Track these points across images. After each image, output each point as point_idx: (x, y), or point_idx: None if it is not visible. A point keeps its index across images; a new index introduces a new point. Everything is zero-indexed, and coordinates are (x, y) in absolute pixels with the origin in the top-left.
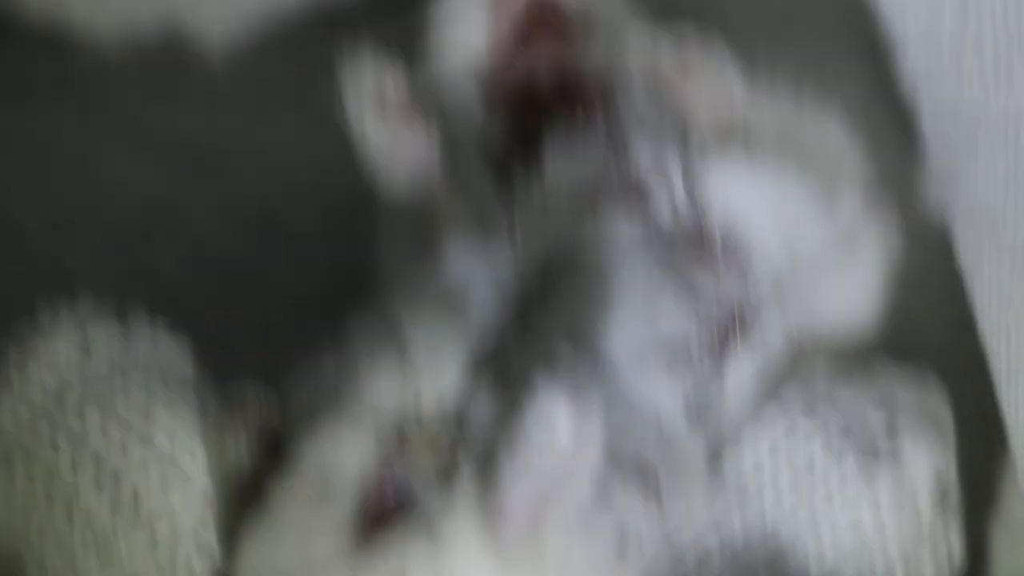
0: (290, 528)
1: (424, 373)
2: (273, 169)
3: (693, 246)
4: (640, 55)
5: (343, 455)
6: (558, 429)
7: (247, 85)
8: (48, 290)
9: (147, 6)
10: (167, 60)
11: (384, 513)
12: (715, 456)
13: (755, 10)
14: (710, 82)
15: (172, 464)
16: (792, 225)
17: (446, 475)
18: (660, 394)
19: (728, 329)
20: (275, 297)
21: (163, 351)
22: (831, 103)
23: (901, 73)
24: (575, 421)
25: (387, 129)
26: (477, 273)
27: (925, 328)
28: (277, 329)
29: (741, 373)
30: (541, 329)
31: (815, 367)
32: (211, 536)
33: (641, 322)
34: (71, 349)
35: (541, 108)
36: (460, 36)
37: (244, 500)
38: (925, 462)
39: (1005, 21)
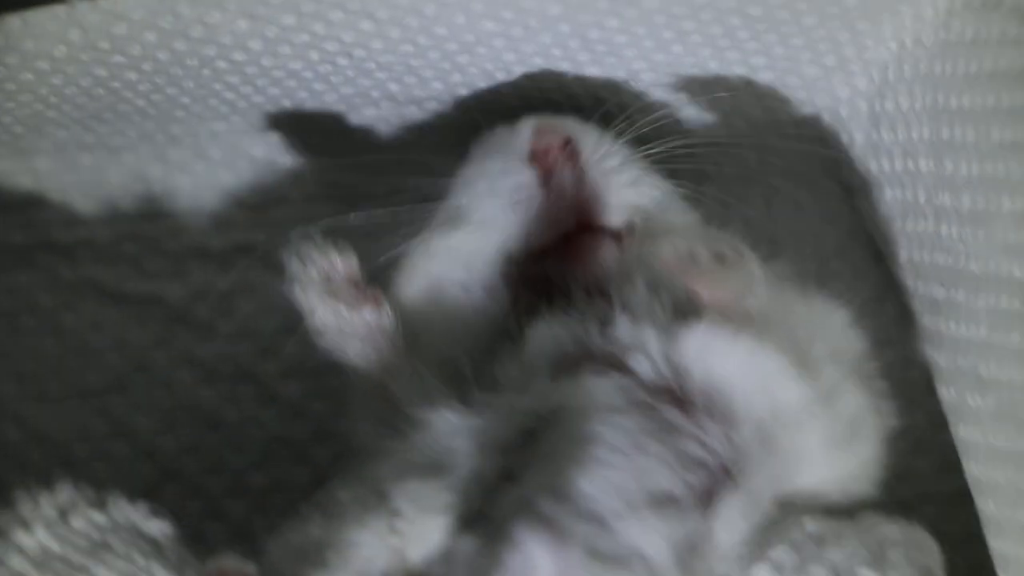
0: None
1: (408, 530)
2: (250, 330)
3: (676, 406)
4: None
5: None
6: (537, 566)
7: (221, 244)
8: (24, 455)
9: (122, 180)
10: (141, 227)
11: None
12: None
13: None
14: (730, 280)
15: None
16: (773, 394)
17: None
18: (649, 541)
19: (715, 482)
20: (255, 452)
21: (141, 521)
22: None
23: (877, 208)
24: (555, 558)
25: (333, 309)
26: (459, 433)
27: (910, 470)
28: (257, 485)
29: (730, 524)
30: (524, 485)
31: (804, 526)
32: None
33: (627, 475)
34: (51, 517)
35: (546, 284)
36: (493, 236)
37: None
38: None
39: (980, 161)
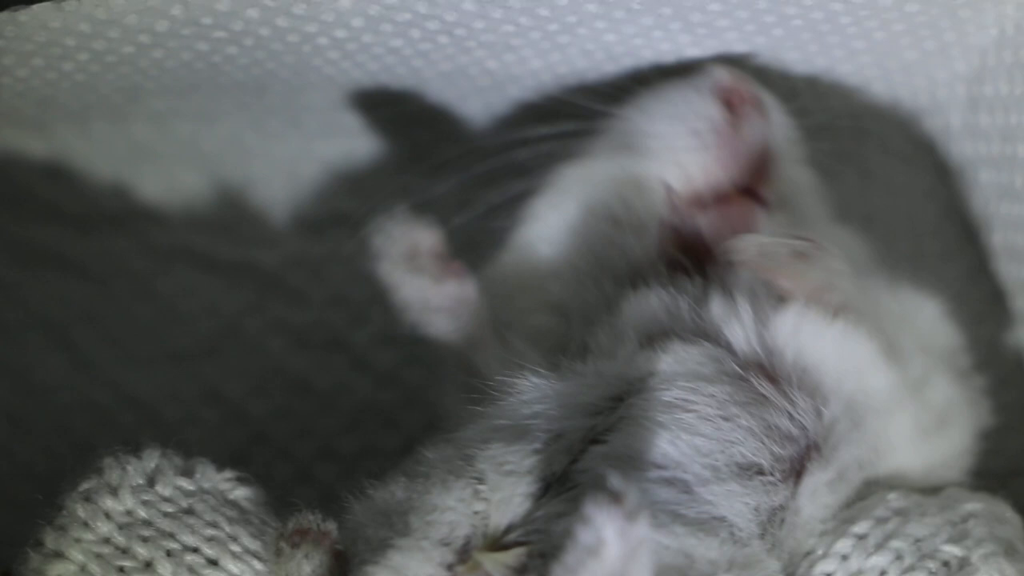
0: None
1: (492, 496)
2: (342, 297)
3: (767, 380)
4: (745, 240)
5: (407, 571)
6: (608, 544)
7: (315, 213)
8: (115, 418)
9: (217, 149)
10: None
11: None
12: (791, 561)
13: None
14: (811, 275)
15: None
16: (862, 379)
17: None
18: (733, 508)
19: (803, 456)
20: (344, 418)
21: (228, 487)
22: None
23: (972, 190)
24: (623, 534)
25: (418, 284)
26: (545, 397)
27: (1002, 446)
28: (347, 451)
29: (816, 498)
30: (610, 446)
31: (888, 502)
32: None
33: (713, 443)
34: (138, 483)
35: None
36: (666, 169)
37: None
38: None
39: None
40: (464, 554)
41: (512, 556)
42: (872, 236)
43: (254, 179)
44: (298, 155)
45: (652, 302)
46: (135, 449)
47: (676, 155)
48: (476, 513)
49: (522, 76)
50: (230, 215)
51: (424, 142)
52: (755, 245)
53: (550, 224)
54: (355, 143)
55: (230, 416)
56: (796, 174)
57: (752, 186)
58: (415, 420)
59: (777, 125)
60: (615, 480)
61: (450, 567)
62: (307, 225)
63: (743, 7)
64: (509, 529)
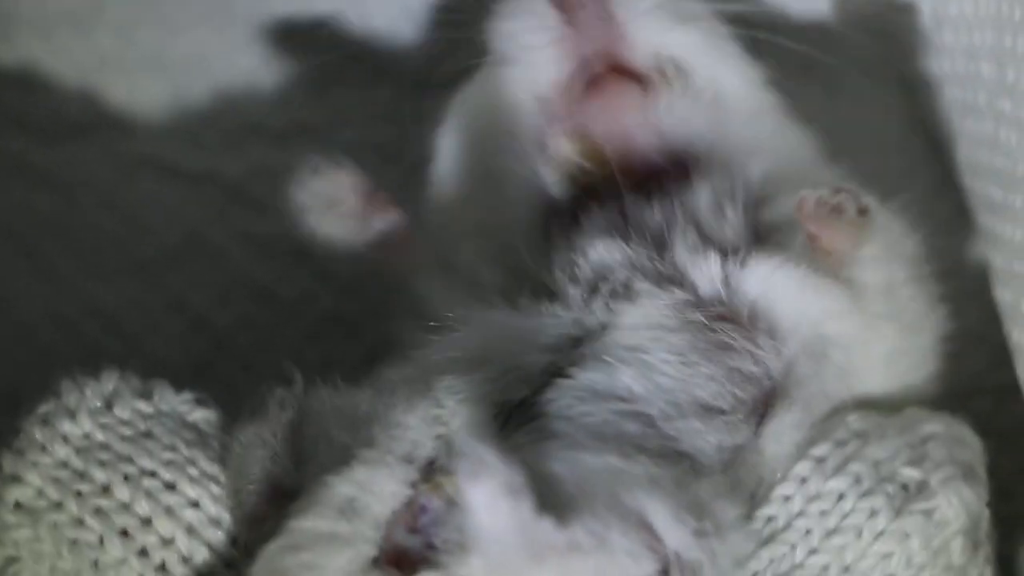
0: (308, 553)
1: (451, 421)
2: None
3: (730, 325)
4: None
5: (373, 485)
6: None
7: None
8: (79, 328)
9: (182, 58)
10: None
11: (406, 551)
12: (751, 510)
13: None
14: (862, 232)
15: (197, 509)
16: (829, 323)
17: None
18: (696, 444)
19: (765, 397)
20: (308, 328)
21: (186, 410)
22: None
23: (937, 107)
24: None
25: (347, 226)
26: (504, 332)
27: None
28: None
29: (779, 437)
30: (574, 379)
31: (848, 424)
32: None
33: (676, 383)
34: (95, 406)
35: (600, 175)
36: (523, 75)
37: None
38: (958, 516)
39: None
40: (428, 473)
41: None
42: (837, 148)
43: (218, 89)
44: (262, 65)
45: (611, 249)
46: (93, 370)
47: (527, 64)
48: (439, 436)
49: None
50: (194, 125)
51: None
52: (821, 199)
53: (456, 157)
54: (320, 54)
55: (193, 326)
56: (676, 38)
57: (615, 63)
58: (378, 330)
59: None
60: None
61: (413, 484)
62: (271, 135)
63: None
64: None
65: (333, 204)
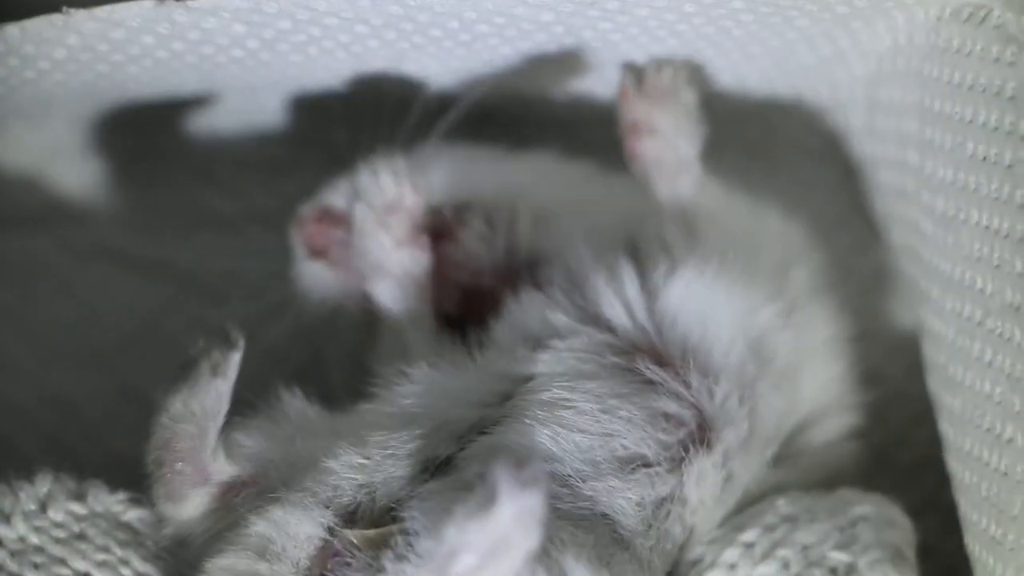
0: None
1: (376, 475)
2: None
3: (654, 361)
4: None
5: (289, 527)
6: (500, 504)
7: (230, 210)
8: (35, 415)
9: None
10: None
11: None
12: (680, 571)
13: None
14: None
15: None
16: (755, 327)
17: (381, 555)
18: (614, 504)
19: (690, 439)
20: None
21: (120, 510)
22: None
23: (874, 188)
24: (518, 498)
25: (380, 240)
26: (436, 388)
27: (909, 438)
28: None
29: (703, 481)
30: (501, 437)
31: (777, 508)
32: None
33: (594, 439)
34: (30, 509)
35: (476, 304)
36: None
37: None
38: None
39: (955, 169)
40: (349, 520)
41: (379, 534)
42: None
43: (170, 179)
44: (212, 153)
45: (532, 304)
46: (28, 474)
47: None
48: (362, 486)
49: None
50: (147, 214)
51: (341, 147)
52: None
53: None
54: (271, 141)
55: (150, 413)
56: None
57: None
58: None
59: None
60: (523, 450)
61: (331, 529)
62: (222, 223)
63: (632, 24)
64: (391, 508)
65: (388, 210)
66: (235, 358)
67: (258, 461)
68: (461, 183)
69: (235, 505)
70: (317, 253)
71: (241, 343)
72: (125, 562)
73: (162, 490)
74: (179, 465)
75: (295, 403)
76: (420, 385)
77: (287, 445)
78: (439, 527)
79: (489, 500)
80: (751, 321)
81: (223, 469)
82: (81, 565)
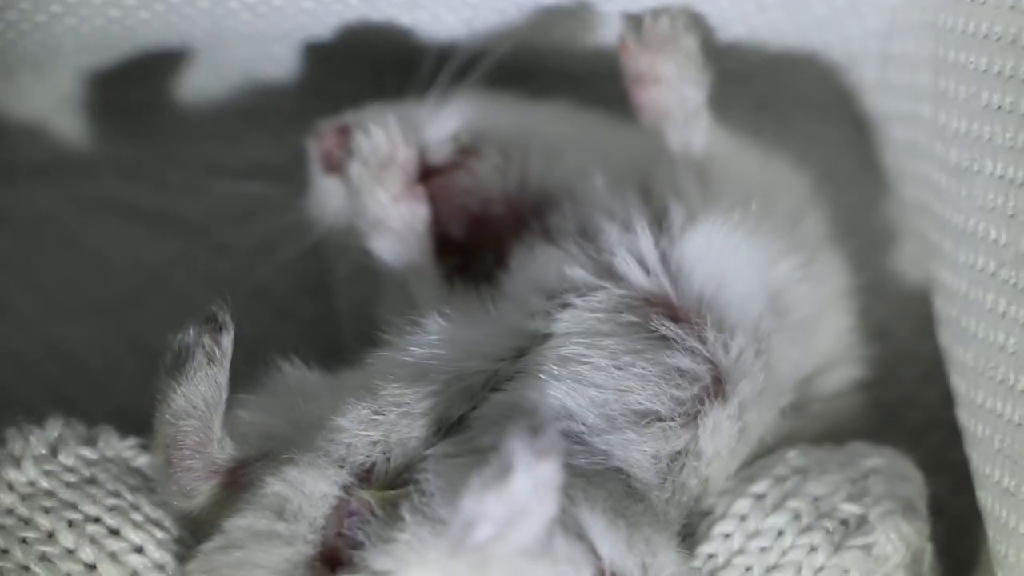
0: (243, 551)
1: (391, 434)
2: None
3: (669, 316)
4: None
5: (304, 486)
6: (517, 474)
7: (239, 162)
8: (41, 368)
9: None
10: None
11: (338, 550)
12: (691, 521)
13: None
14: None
15: (141, 554)
16: (775, 280)
17: (395, 523)
18: (628, 457)
19: (704, 394)
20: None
21: (131, 456)
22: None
23: (886, 144)
24: (534, 469)
25: (377, 195)
26: (451, 340)
27: (918, 398)
28: None
29: (718, 435)
30: (509, 395)
31: (788, 460)
32: None
33: (608, 393)
34: (40, 453)
35: (484, 232)
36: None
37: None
38: (897, 551)
39: (969, 120)
40: (364, 479)
41: (395, 495)
42: None
43: (178, 131)
44: (221, 105)
45: (548, 257)
46: (39, 418)
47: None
48: (375, 443)
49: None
50: (155, 166)
51: (345, 94)
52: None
53: None
54: (281, 93)
55: (155, 366)
56: (446, 123)
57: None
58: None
59: (380, 123)
60: (538, 416)
61: (346, 488)
62: (231, 175)
63: None
64: (406, 468)
65: (383, 166)
66: (227, 342)
67: (264, 436)
68: (478, 119)
69: (246, 483)
70: (333, 167)
71: (231, 325)
72: (136, 507)
73: (173, 488)
74: (188, 462)
75: (293, 372)
76: (433, 336)
77: (291, 412)
78: (456, 497)
79: (505, 470)
80: (771, 274)
81: (230, 455)
82: (92, 509)
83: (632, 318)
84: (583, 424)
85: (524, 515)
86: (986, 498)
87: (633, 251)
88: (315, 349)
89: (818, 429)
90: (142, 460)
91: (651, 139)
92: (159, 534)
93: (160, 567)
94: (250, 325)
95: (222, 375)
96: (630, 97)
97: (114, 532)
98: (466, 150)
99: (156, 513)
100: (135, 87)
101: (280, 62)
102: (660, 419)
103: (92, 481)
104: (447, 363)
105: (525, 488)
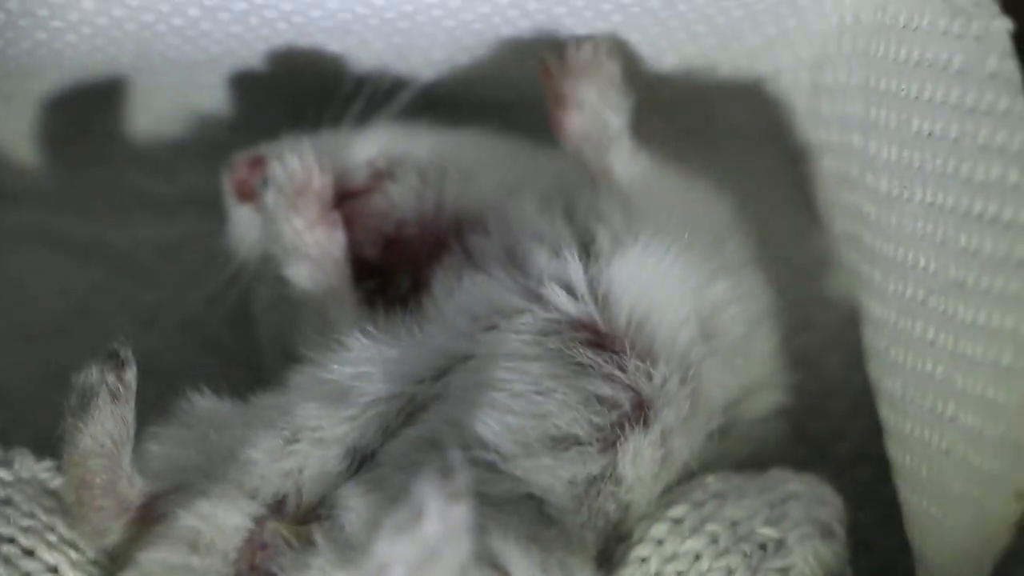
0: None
1: (306, 465)
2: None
3: (593, 343)
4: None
5: (216, 519)
6: (428, 518)
7: (165, 192)
8: None
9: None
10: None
11: None
12: (611, 544)
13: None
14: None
15: (56, 575)
16: (707, 304)
17: (307, 552)
18: (542, 483)
19: (626, 420)
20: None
21: (46, 476)
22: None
23: (816, 176)
24: (445, 512)
25: (292, 222)
26: (372, 360)
27: (847, 431)
28: None
29: (638, 461)
30: (424, 426)
31: (707, 486)
32: None
33: (524, 419)
34: None
35: (400, 255)
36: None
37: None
38: (815, 574)
39: (900, 147)
40: (277, 511)
41: (308, 530)
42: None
43: (106, 160)
44: (149, 134)
45: (474, 282)
46: None
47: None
48: (287, 474)
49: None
50: (82, 195)
51: (274, 123)
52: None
53: None
54: (209, 123)
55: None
56: (361, 149)
57: (347, 191)
58: None
59: (295, 151)
60: (449, 457)
61: (258, 520)
62: (158, 205)
63: None
64: (320, 502)
65: (298, 193)
66: (131, 377)
67: (176, 469)
68: (396, 144)
69: (159, 516)
70: (247, 196)
71: (132, 360)
72: (50, 528)
73: (85, 528)
74: (99, 502)
75: (204, 402)
76: (354, 353)
77: (203, 444)
78: (368, 537)
79: (417, 513)
80: (702, 296)
81: (141, 491)
82: (6, 530)
83: (556, 341)
84: (496, 452)
85: (436, 558)
86: (913, 529)
87: (561, 276)
88: (241, 380)
89: (743, 455)
90: (58, 482)
91: (574, 164)
92: (74, 555)
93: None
94: (176, 357)
95: (128, 411)
96: (552, 122)
97: (28, 552)
98: (382, 174)
99: (71, 534)
100: (61, 114)
101: (209, 90)
102: (579, 443)
103: (7, 502)
104: (367, 383)
105: (437, 531)
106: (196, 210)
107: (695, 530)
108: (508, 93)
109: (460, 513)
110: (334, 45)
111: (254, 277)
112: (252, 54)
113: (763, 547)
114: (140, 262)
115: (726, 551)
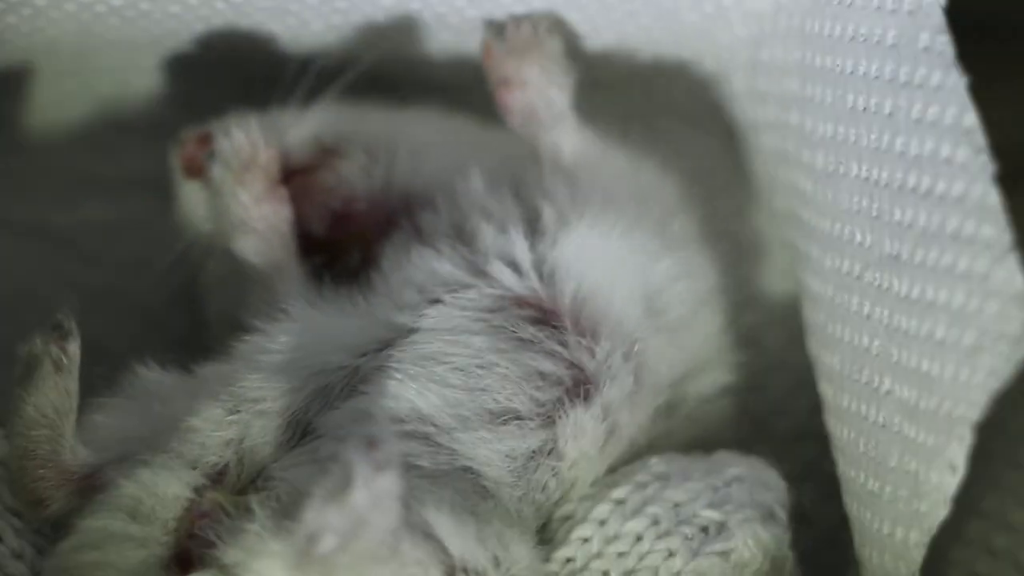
0: (99, 552)
1: (248, 436)
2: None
3: (537, 319)
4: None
5: (156, 487)
6: (356, 487)
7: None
8: None
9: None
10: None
11: (189, 551)
12: (549, 519)
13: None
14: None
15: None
16: (653, 281)
17: (245, 520)
18: (480, 456)
19: (565, 395)
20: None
21: None
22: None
23: (756, 154)
24: (372, 481)
25: (238, 196)
26: (316, 331)
27: (789, 408)
28: None
29: (579, 436)
30: (366, 398)
31: (650, 467)
32: None
33: (463, 393)
34: None
35: (348, 230)
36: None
37: None
38: (755, 558)
39: (835, 123)
40: (217, 481)
41: (246, 500)
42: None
43: (48, 141)
44: (93, 118)
45: (421, 256)
46: None
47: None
48: (228, 443)
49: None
50: (24, 176)
51: (217, 104)
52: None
53: None
54: (151, 104)
55: None
56: (302, 129)
57: (292, 169)
58: None
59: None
60: (377, 426)
61: (198, 489)
62: (101, 186)
63: None
64: (259, 474)
65: (245, 168)
66: (74, 349)
67: (120, 440)
68: (342, 122)
69: (101, 486)
70: (195, 173)
71: (76, 332)
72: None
73: (26, 497)
74: (40, 472)
75: (149, 374)
76: (299, 323)
77: (147, 415)
78: (299, 508)
79: (344, 483)
80: (648, 273)
81: (84, 462)
82: None
83: (501, 320)
84: (432, 424)
85: (365, 526)
86: (852, 503)
87: (506, 253)
88: (187, 362)
89: (689, 434)
90: (3, 452)
91: (520, 142)
92: (17, 523)
93: (18, 556)
94: (121, 339)
95: (71, 382)
96: (496, 101)
97: None
98: (328, 151)
99: (14, 502)
100: (2, 96)
101: (150, 72)
102: (518, 417)
103: None
104: (309, 355)
105: (364, 500)
106: (139, 191)
107: (637, 511)
108: (450, 73)
109: (387, 482)
110: (274, 25)
111: (203, 254)
112: (191, 35)
113: (704, 530)
114: (84, 244)
115: (667, 533)
